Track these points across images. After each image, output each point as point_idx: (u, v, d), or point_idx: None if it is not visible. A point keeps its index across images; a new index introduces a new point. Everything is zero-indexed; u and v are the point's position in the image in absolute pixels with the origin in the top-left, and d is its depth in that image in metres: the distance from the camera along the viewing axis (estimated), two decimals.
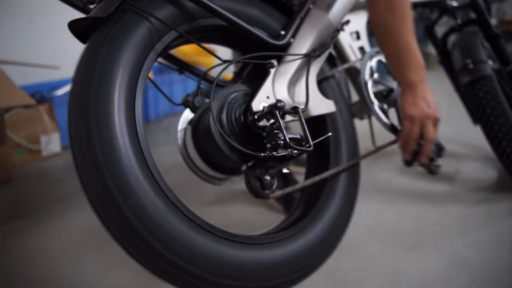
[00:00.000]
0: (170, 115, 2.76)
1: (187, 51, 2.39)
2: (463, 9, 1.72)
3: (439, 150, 1.07)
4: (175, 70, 1.08)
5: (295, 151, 0.76)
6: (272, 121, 0.80)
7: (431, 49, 4.52)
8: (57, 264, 1.19)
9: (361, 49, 1.19)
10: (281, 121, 0.77)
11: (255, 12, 0.93)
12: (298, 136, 0.80)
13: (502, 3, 4.46)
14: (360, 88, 1.12)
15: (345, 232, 0.97)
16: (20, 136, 1.94)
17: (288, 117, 0.85)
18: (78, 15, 0.89)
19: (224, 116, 0.83)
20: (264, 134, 0.81)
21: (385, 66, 1.15)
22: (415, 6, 1.49)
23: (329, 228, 0.91)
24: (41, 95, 2.11)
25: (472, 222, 1.39)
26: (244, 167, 0.78)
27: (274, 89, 0.86)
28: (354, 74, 1.18)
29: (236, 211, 1.49)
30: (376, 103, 1.11)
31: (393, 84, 1.16)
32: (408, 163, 1.06)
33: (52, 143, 2.07)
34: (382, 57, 1.18)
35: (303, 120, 0.81)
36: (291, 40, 0.94)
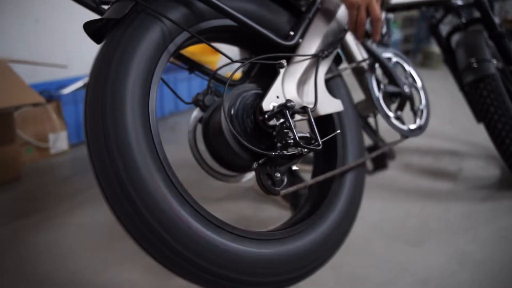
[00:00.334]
0: (175, 113, 2.78)
1: (193, 50, 2.41)
2: (468, 8, 1.74)
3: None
4: (185, 69, 1.09)
5: (305, 149, 0.78)
6: (282, 120, 0.82)
7: (435, 48, 4.53)
8: (68, 260, 1.21)
9: (367, 49, 1.20)
10: (291, 121, 0.79)
11: (264, 13, 0.95)
12: (308, 135, 0.82)
13: (505, 2, 4.46)
14: (367, 87, 1.14)
15: (352, 228, 0.99)
16: (28, 134, 1.97)
17: (297, 116, 0.87)
18: (85, 14, 0.91)
19: (234, 115, 0.85)
20: (274, 133, 0.83)
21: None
22: (420, 5, 1.51)
23: (337, 224, 0.93)
24: (48, 93, 2.13)
25: (475, 218, 1.41)
26: (255, 165, 0.80)
27: (284, 89, 0.88)
28: (360, 73, 1.20)
29: (244, 208, 1.52)
30: (382, 102, 1.13)
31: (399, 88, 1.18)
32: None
33: (60, 141, 2.09)
34: (388, 56, 1.20)
35: (312, 119, 0.83)
36: (300, 40, 0.96)
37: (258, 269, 0.75)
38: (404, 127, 1.17)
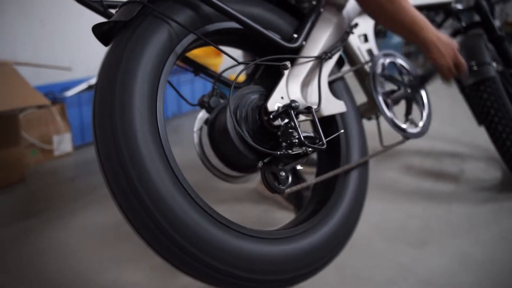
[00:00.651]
0: (179, 115, 2.79)
1: (196, 52, 2.43)
2: (468, 12, 1.75)
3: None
4: (190, 71, 1.11)
5: (309, 149, 0.80)
6: (286, 120, 0.83)
7: None
8: (71, 261, 1.23)
9: (369, 52, 1.22)
10: (295, 120, 0.80)
11: (269, 16, 0.97)
12: (312, 135, 0.83)
13: (506, 5, 4.49)
14: (369, 90, 1.15)
15: (355, 229, 1.01)
16: (33, 136, 1.99)
17: (301, 117, 0.89)
18: (90, 16, 0.92)
19: (240, 116, 0.86)
20: (278, 133, 0.84)
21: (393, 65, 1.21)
22: (420, 9, 1.52)
23: (341, 224, 0.95)
24: (53, 95, 2.15)
25: (477, 220, 1.42)
26: (260, 164, 0.81)
27: (288, 90, 0.90)
28: (362, 75, 1.21)
29: (247, 209, 1.53)
30: (384, 104, 1.15)
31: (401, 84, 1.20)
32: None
33: (64, 143, 2.11)
34: (389, 59, 1.22)
35: (316, 120, 0.84)
36: (304, 42, 0.98)
37: (265, 267, 0.77)
38: (407, 129, 1.18)
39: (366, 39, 1.23)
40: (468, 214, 1.46)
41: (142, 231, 0.69)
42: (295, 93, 0.91)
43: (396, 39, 4.37)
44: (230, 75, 2.65)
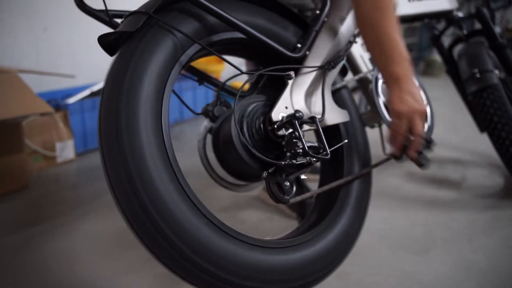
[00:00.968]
0: (181, 122, 2.80)
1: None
2: (469, 20, 1.76)
3: (428, 143, 1.07)
4: (195, 80, 1.12)
5: (313, 159, 0.80)
6: (290, 130, 0.84)
7: (436, 57, 4.57)
8: (75, 268, 1.23)
9: (371, 60, 1.23)
10: (300, 130, 0.81)
11: (272, 26, 0.97)
12: (316, 144, 0.84)
13: (506, 11, 4.50)
14: (372, 98, 1.16)
15: (358, 237, 1.01)
16: (36, 142, 1.99)
17: (305, 126, 0.89)
18: (93, 24, 0.92)
19: (244, 126, 0.87)
20: (283, 142, 0.85)
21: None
22: (422, 17, 1.53)
23: (344, 233, 0.95)
24: (55, 102, 2.16)
25: (480, 227, 1.42)
26: (264, 174, 0.82)
27: (292, 100, 0.91)
28: (365, 84, 1.22)
29: (250, 217, 1.53)
30: (387, 112, 1.15)
31: None
32: (397, 157, 1.04)
33: (67, 150, 2.11)
34: None
35: (321, 130, 0.85)
36: (307, 52, 0.99)
37: (269, 276, 0.77)
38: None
39: None
40: (471, 221, 1.47)
41: (147, 241, 0.69)
42: (299, 103, 0.91)
43: None
44: (232, 81, 2.66)
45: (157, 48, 0.77)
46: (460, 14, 1.69)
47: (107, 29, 0.83)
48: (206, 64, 2.75)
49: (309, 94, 0.96)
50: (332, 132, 1.06)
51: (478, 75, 1.56)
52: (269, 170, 0.83)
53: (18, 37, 2.18)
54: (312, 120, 0.85)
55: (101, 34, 0.77)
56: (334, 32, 1.03)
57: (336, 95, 1.09)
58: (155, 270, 1.17)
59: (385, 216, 1.51)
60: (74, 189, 1.84)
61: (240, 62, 1.29)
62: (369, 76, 1.19)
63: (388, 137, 1.02)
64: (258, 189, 1.67)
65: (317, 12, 1.04)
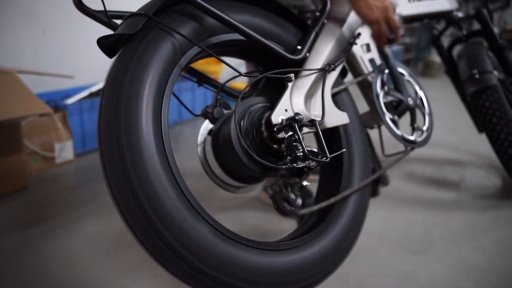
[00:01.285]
0: (179, 123, 2.80)
1: None
2: (468, 20, 1.77)
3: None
4: (194, 82, 1.12)
5: (313, 163, 0.80)
6: (290, 133, 0.84)
7: (435, 57, 4.58)
8: (75, 269, 1.23)
9: (372, 61, 1.22)
10: (299, 134, 0.81)
11: (272, 28, 0.97)
12: (315, 149, 0.84)
13: (504, 12, 4.51)
14: (372, 99, 1.16)
15: (358, 239, 1.01)
16: (35, 143, 1.99)
17: (305, 129, 0.89)
18: (92, 25, 0.92)
19: (244, 128, 0.87)
20: (282, 145, 0.85)
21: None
22: (422, 17, 1.53)
23: (343, 235, 0.95)
24: (54, 103, 2.16)
25: (479, 227, 1.43)
26: (270, 193, 0.82)
27: (292, 102, 0.90)
28: (365, 85, 1.22)
29: (249, 217, 1.53)
30: (387, 113, 1.15)
31: (403, 96, 1.20)
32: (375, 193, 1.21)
33: (66, 150, 2.11)
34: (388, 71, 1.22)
35: (320, 133, 0.85)
36: (307, 54, 0.99)
37: (268, 278, 0.77)
38: (409, 137, 1.18)
39: (368, 48, 1.23)
40: (470, 221, 1.47)
41: (146, 244, 0.69)
42: (298, 106, 0.91)
43: (396, 47, 4.39)
44: (231, 82, 2.66)
45: (156, 51, 0.77)
46: (460, 15, 1.69)
47: (106, 30, 0.82)
48: (205, 64, 2.75)
49: (309, 96, 0.95)
50: (332, 134, 1.06)
51: (477, 76, 1.57)
52: (273, 187, 0.83)
53: (17, 38, 2.18)
54: (311, 123, 0.85)
55: (100, 36, 0.77)
56: (335, 34, 1.03)
57: (336, 97, 1.08)
58: (155, 270, 1.17)
59: (384, 216, 1.52)
60: (73, 189, 1.84)
61: (239, 63, 1.30)
62: (369, 78, 1.19)
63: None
64: (257, 190, 1.67)
65: (317, 13, 1.04)
